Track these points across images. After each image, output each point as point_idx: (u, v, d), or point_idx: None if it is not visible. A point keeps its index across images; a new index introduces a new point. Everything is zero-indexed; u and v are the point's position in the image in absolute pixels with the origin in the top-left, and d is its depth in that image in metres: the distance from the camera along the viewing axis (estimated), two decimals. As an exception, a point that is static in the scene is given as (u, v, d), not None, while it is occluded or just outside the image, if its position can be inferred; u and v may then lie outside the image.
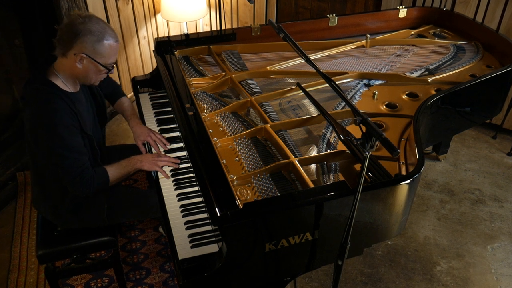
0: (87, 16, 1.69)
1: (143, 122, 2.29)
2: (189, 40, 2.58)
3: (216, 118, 2.04)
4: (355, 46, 2.75)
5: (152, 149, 2.09)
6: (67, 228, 1.97)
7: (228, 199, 1.55)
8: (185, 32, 3.70)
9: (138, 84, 2.54)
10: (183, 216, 1.76)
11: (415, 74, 2.44)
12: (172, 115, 2.31)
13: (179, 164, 1.97)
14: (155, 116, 2.33)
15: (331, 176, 1.72)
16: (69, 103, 1.72)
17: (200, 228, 1.70)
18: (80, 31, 1.65)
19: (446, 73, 2.45)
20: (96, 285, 2.32)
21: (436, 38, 2.87)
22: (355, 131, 1.78)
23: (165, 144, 2.08)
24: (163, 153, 2.06)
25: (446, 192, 2.98)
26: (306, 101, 2.19)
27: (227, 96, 2.25)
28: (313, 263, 1.64)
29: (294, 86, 2.24)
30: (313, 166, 1.79)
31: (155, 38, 2.55)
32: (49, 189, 1.88)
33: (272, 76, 2.40)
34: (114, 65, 1.80)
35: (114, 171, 1.86)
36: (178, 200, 1.83)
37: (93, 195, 1.83)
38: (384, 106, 2.19)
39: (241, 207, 1.50)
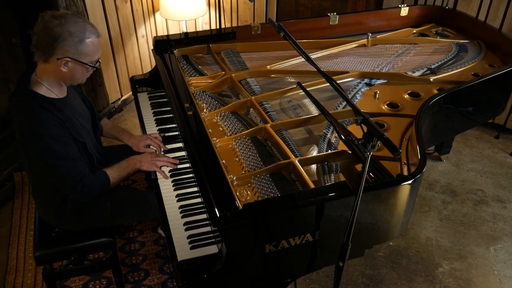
0: (62, 16, 1.59)
1: (142, 122, 2.29)
2: (188, 39, 2.56)
3: (216, 117, 2.03)
4: (356, 45, 2.73)
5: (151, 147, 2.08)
6: (68, 230, 1.95)
7: (227, 199, 1.54)
8: (184, 30, 3.68)
9: (137, 83, 2.52)
10: (182, 217, 1.75)
11: (417, 73, 2.42)
12: (171, 115, 2.30)
13: (177, 164, 1.96)
14: (153, 116, 2.31)
15: (332, 177, 1.71)
16: (55, 111, 1.66)
17: (200, 229, 1.69)
18: (59, 34, 1.57)
19: (448, 72, 2.43)
20: (94, 286, 2.30)
21: (438, 37, 2.86)
22: (356, 131, 1.75)
23: (161, 147, 2.07)
24: (162, 153, 2.04)
25: (448, 192, 2.96)
26: (307, 101, 2.17)
27: (226, 96, 2.24)
28: (313, 264, 1.63)
29: (294, 86, 2.22)
30: (313, 167, 1.77)
31: (154, 37, 2.55)
32: (49, 196, 1.86)
33: (272, 75, 2.39)
34: (100, 61, 1.74)
35: (114, 173, 1.86)
36: (177, 201, 1.82)
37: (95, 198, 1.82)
38: (386, 106, 2.18)
39: (241, 207, 1.49)
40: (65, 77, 1.70)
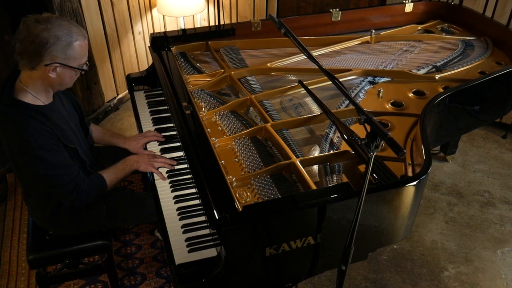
0: (46, 20, 1.54)
1: (139, 121, 2.27)
2: (186, 35, 2.54)
3: (215, 117, 2.01)
4: (359, 42, 2.71)
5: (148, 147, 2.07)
6: (62, 234, 1.93)
7: (227, 201, 1.53)
8: (182, 27, 3.64)
9: (133, 81, 2.51)
10: (180, 219, 1.74)
11: (422, 71, 2.40)
12: (168, 114, 2.29)
13: (175, 165, 1.95)
14: (150, 115, 2.30)
15: (334, 178, 1.69)
16: (43, 119, 1.62)
17: (198, 232, 1.68)
18: (46, 40, 1.52)
19: (454, 70, 2.41)
20: (90, 290, 2.27)
21: (443, 34, 2.83)
22: (360, 130, 1.75)
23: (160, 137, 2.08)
24: (159, 152, 2.03)
25: (454, 194, 2.93)
26: (308, 99, 2.15)
27: (226, 94, 2.22)
28: (315, 268, 1.62)
29: (295, 84, 2.20)
30: (315, 167, 1.75)
31: (151, 33, 2.52)
32: (43, 202, 1.83)
33: (272, 73, 2.37)
34: (87, 63, 1.70)
35: (110, 176, 1.84)
36: (175, 203, 1.81)
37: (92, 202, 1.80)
38: (390, 105, 2.16)
39: (240, 209, 1.49)
40: (53, 83, 1.65)
